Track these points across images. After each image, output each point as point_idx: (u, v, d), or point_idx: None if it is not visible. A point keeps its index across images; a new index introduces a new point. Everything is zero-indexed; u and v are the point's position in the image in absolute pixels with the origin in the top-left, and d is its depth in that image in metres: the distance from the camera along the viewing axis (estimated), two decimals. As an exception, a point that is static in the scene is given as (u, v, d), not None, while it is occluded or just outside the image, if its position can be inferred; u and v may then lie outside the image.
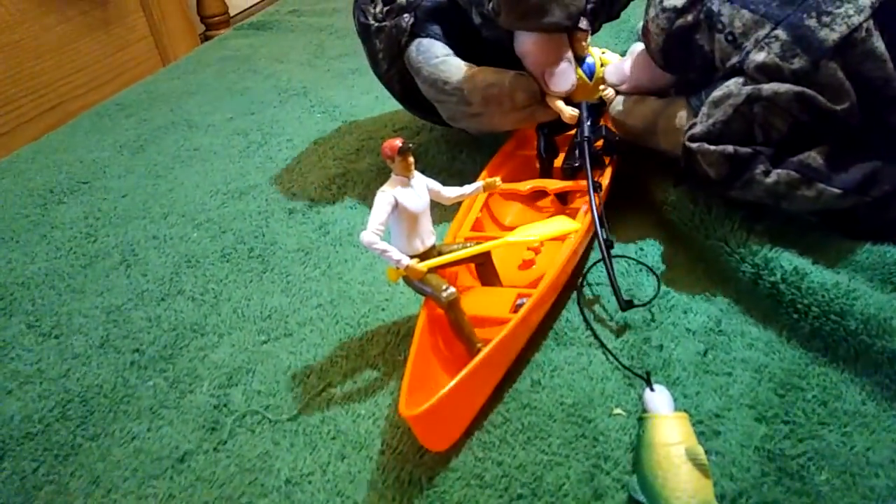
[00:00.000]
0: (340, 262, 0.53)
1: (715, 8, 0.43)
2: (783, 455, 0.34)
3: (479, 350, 0.38)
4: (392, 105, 0.62)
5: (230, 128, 0.77)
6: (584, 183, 0.48)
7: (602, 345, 0.42)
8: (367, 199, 0.57)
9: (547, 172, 0.54)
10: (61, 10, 1.35)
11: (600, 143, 0.52)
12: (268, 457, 0.38)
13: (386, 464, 0.37)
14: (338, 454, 0.38)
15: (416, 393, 0.35)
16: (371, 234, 0.37)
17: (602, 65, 0.53)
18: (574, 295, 0.46)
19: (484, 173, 0.53)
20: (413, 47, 0.54)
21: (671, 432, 0.34)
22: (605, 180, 0.50)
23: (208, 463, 0.39)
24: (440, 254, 0.41)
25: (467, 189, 0.44)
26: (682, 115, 0.46)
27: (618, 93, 0.52)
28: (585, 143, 0.48)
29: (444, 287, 0.39)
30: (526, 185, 0.51)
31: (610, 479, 0.34)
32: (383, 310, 0.48)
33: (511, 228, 0.50)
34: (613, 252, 0.45)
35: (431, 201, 0.41)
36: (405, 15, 0.54)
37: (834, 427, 0.35)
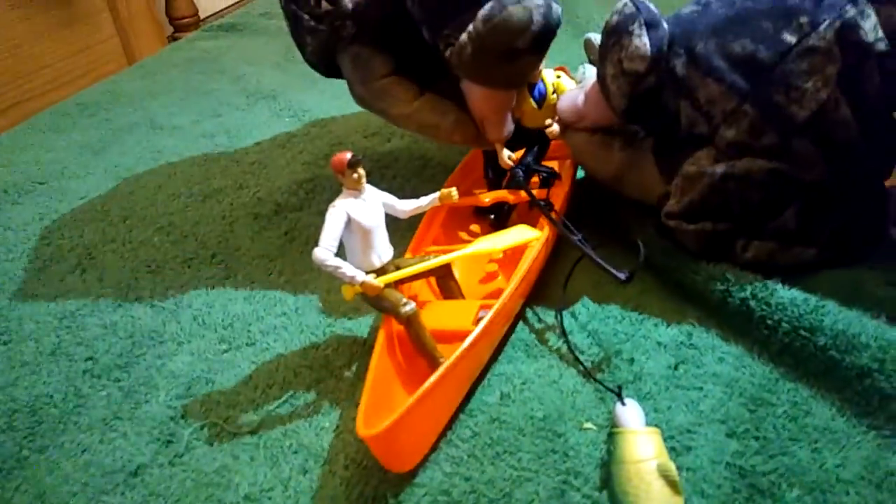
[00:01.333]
0: (307, 270, 0.51)
1: (679, 72, 0.42)
2: (754, 471, 0.34)
3: (439, 363, 0.37)
4: (363, 110, 0.61)
5: (196, 130, 0.75)
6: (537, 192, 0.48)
7: (577, 358, 0.41)
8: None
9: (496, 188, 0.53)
10: (22, 6, 1.32)
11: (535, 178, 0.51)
12: (226, 471, 0.37)
13: (350, 479, 0.36)
14: (300, 468, 0.37)
15: (377, 412, 0.34)
16: (323, 251, 0.36)
17: (555, 91, 0.52)
18: (531, 308, 0.45)
19: (446, 183, 0.52)
20: (348, 57, 0.48)
21: (643, 448, 0.33)
22: (560, 198, 0.49)
23: (163, 477, 0.37)
24: (398, 268, 0.40)
25: (423, 201, 0.42)
26: (650, 176, 0.46)
27: (573, 128, 0.49)
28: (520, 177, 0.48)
29: (402, 302, 0.38)
30: (486, 197, 0.50)
31: (580, 496, 0.34)
32: (350, 318, 0.46)
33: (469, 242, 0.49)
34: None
35: (388, 215, 0.40)
36: (348, 23, 0.46)
37: (804, 443, 0.35)
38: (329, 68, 0.52)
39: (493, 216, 0.52)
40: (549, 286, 0.47)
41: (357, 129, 0.71)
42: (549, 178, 0.51)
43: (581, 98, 0.48)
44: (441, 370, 0.35)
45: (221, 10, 1.92)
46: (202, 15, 1.79)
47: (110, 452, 0.39)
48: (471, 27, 0.42)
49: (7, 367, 0.45)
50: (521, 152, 0.51)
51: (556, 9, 0.42)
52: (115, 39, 1.58)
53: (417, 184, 0.59)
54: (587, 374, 0.40)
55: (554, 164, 0.54)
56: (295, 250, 0.54)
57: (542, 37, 0.43)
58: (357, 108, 0.71)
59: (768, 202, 0.42)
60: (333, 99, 0.79)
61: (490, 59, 0.43)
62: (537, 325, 0.44)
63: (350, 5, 0.45)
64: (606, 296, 0.46)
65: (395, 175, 0.61)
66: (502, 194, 0.50)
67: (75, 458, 0.39)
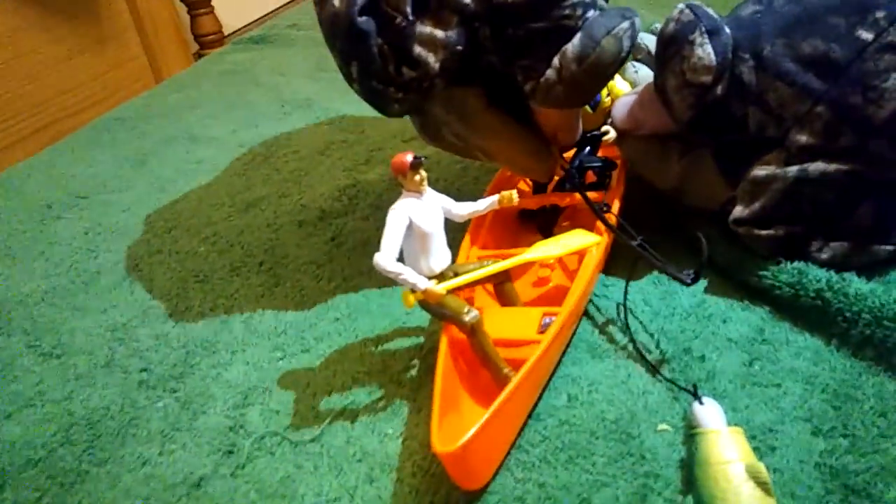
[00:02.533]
0: (356, 275, 0.51)
1: (746, 78, 0.40)
2: (846, 471, 0.32)
3: (507, 376, 0.35)
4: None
5: (233, 141, 0.75)
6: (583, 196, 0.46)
7: (642, 356, 0.39)
8: (379, 210, 0.55)
9: (541, 191, 0.52)
10: (53, 28, 1.33)
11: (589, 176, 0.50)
12: (290, 481, 0.36)
13: (418, 487, 0.34)
14: (365, 477, 0.36)
15: (446, 426, 0.33)
16: (385, 257, 0.35)
17: (609, 94, 0.50)
18: (592, 308, 0.44)
19: (489, 189, 0.51)
20: (439, 103, 0.45)
21: (728, 449, 0.32)
22: (616, 198, 0.47)
23: (226, 489, 0.36)
24: (456, 274, 0.38)
25: (481, 204, 0.41)
26: (713, 183, 0.44)
27: (630, 135, 0.48)
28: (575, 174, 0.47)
29: (465, 310, 0.36)
30: (540, 202, 0.48)
31: (662, 500, 0.32)
32: (404, 323, 0.45)
33: (521, 247, 0.47)
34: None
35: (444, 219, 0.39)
36: (437, 81, 0.42)
37: (897, 440, 0.33)
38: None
39: (540, 220, 0.51)
40: (610, 286, 0.45)
41: (395, 133, 0.71)
42: (605, 169, 0.49)
43: (637, 106, 0.46)
44: (514, 383, 0.33)
45: (245, 26, 1.93)
46: (226, 31, 1.81)
47: (171, 464, 0.38)
48: (557, 63, 0.40)
49: (62, 380, 0.45)
50: (571, 152, 0.50)
51: (639, 22, 0.41)
52: (143, 58, 1.59)
53: (461, 186, 0.58)
54: (657, 373, 0.38)
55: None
56: (342, 255, 0.53)
57: (628, 56, 0.42)
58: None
59: (842, 203, 0.41)
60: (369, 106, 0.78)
61: (582, 92, 0.41)
62: (598, 326, 0.43)
63: (436, 65, 0.41)
64: (669, 292, 0.44)
65: (437, 178, 0.60)
66: (554, 197, 0.49)
67: (136, 470, 0.38)
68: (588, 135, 0.49)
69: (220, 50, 1.09)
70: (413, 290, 0.36)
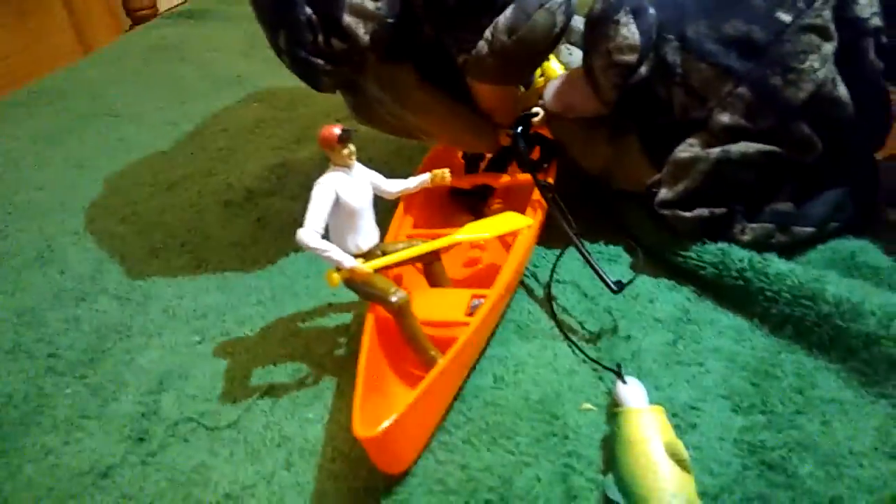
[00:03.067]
0: (281, 256, 0.49)
1: (669, 58, 0.40)
2: (763, 447, 0.32)
3: (433, 359, 0.35)
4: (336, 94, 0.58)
5: (159, 118, 0.72)
6: (524, 177, 0.46)
7: (567, 337, 0.39)
8: (308, 190, 0.53)
9: (474, 171, 0.51)
10: (-30, 0, 1.26)
11: (537, 151, 0.49)
12: (204, 468, 0.34)
13: (338, 472, 0.33)
14: (283, 463, 0.34)
15: (370, 408, 0.32)
16: (309, 233, 0.33)
17: (542, 73, 0.50)
18: (521, 287, 0.44)
19: (421, 167, 0.50)
20: (371, 80, 0.44)
21: (648, 427, 0.31)
22: (550, 179, 0.47)
23: (136, 477, 0.34)
24: (384, 253, 0.37)
25: (412, 182, 0.40)
26: (638, 165, 0.44)
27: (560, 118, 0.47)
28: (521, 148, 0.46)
29: (392, 290, 0.35)
30: (471, 181, 0.48)
31: (584, 480, 0.32)
32: (330, 304, 0.44)
33: (451, 226, 0.46)
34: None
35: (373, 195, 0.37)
36: (368, 54, 0.41)
37: (813, 416, 0.33)
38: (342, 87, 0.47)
39: (471, 200, 0.50)
40: (540, 266, 0.45)
41: (329, 112, 0.69)
42: (551, 148, 0.48)
43: (567, 88, 0.46)
44: (440, 366, 0.33)
45: (179, 4, 1.86)
46: (161, 7, 1.74)
47: (77, 454, 0.36)
48: (489, 35, 0.40)
49: (-39, 367, 0.42)
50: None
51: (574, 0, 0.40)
52: (70, 32, 1.52)
53: (395, 166, 0.57)
54: (583, 353, 0.38)
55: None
56: (268, 237, 0.51)
57: (563, 34, 0.41)
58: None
59: (763, 184, 0.41)
60: (302, 83, 0.76)
61: (513, 66, 0.41)
62: (528, 306, 0.42)
63: (366, 37, 0.40)
64: (598, 273, 0.44)
65: (370, 158, 0.58)
66: (487, 177, 0.48)
67: (39, 461, 0.36)
68: (520, 115, 0.48)
69: (148, 24, 1.05)
70: (339, 269, 0.34)
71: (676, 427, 0.33)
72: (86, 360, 0.42)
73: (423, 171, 0.49)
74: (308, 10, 0.39)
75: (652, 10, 0.40)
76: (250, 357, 0.41)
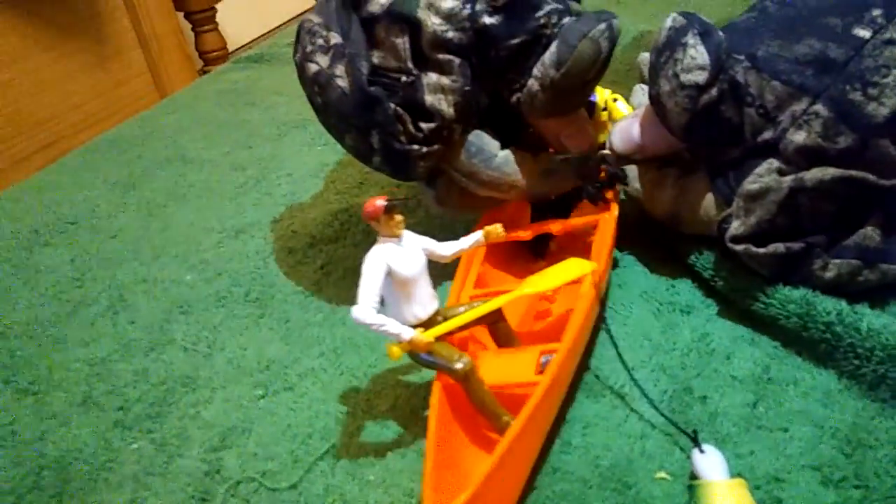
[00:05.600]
0: (344, 305, 0.49)
1: (740, 78, 0.39)
2: (859, 527, 0.30)
3: (507, 424, 0.33)
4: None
5: (227, 162, 0.73)
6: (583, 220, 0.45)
7: (645, 395, 0.37)
8: (370, 236, 0.54)
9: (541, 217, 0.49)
10: (57, 47, 1.34)
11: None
12: (265, 533, 0.34)
13: (399, 540, 0.32)
14: (344, 529, 0.33)
15: (441, 482, 0.30)
16: (364, 310, 0.32)
17: (606, 108, 0.49)
18: (598, 341, 0.42)
19: (482, 219, 0.48)
20: (464, 152, 0.44)
21: (729, 502, 0.29)
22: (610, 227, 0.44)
23: (198, 540, 0.34)
24: (445, 319, 0.36)
25: (465, 242, 0.38)
26: (708, 203, 0.42)
27: (629, 161, 0.45)
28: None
29: (456, 357, 0.34)
30: (527, 231, 0.46)
31: (659, 559, 0.30)
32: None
33: (516, 280, 0.45)
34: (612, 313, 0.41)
35: (428, 261, 0.36)
36: (455, 126, 0.42)
37: (914, 492, 0.31)
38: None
39: (532, 244, 0.48)
40: (609, 318, 0.43)
41: (391, 155, 0.69)
42: (617, 177, 0.46)
43: (636, 128, 0.44)
44: (513, 432, 0.31)
45: (250, 42, 1.93)
46: (231, 48, 1.81)
47: (142, 513, 0.36)
48: (538, 72, 0.41)
49: (36, 419, 0.43)
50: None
51: (617, 24, 0.40)
52: (146, 76, 1.59)
53: (441, 227, 0.55)
54: (660, 415, 0.36)
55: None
56: (331, 285, 0.51)
57: (608, 59, 0.41)
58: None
59: (845, 215, 0.38)
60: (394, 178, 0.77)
61: (564, 97, 0.42)
62: (595, 362, 0.40)
63: (451, 110, 0.41)
64: (670, 324, 0.42)
65: (417, 221, 0.58)
66: (545, 226, 0.46)
67: (105, 519, 0.36)
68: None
69: (218, 68, 1.08)
70: (399, 341, 0.34)
71: (760, 502, 0.31)
72: (153, 414, 0.42)
73: (482, 226, 0.48)
74: (392, 105, 0.41)
75: (720, 32, 0.39)
76: (312, 413, 0.40)
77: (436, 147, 0.43)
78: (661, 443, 0.35)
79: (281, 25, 1.97)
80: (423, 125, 0.42)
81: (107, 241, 0.62)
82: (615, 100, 0.50)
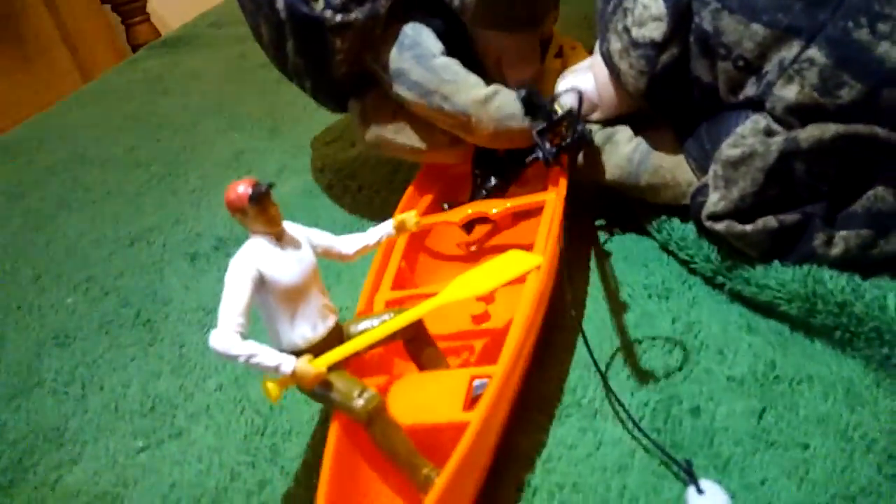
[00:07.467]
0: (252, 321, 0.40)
1: (708, 26, 0.30)
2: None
3: (428, 479, 0.24)
4: (323, 113, 0.49)
5: (130, 160, 0.64)
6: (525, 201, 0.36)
7: (626, 412, 0.29)
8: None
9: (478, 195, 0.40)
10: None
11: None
12: None
13: None
14: None
15: None
16: (224, 336, 0.23)
17: (560, 53, 0.41)
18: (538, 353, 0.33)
19: (406, 196, 0.39)
20: (396, 43, 0.37)
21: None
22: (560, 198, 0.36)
23: None
24: (348, 337, 0.27)
25: (371, 236, 0.30)
26: (675, 165, 0.35)
27: (586, 120, 0.38)
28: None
29: (356, 393, 0.25)
30: (459, 214, 0.37)
31: None
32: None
33: (449, 275, 0.33)
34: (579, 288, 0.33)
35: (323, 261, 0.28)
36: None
37: None
38: (352, 86, 0.41)
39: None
40: (562, 313, 0.35)
41: (317, 135, 0.60)
42: (584, 137, 0.36)
43: (590, 84, 0.36)
44: (437, 491, 0.22)
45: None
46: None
47: None
48: None
49: None
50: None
51: None
52: (75, 74, 1.48)
53: (387, 195, 0.47)
54: (643, 437, 0.28)
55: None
56: (238, 296, 0.42)
57: None
58: (315, 113, 0.60)
59: (849, 176, 0.30)
60: (287, 105, 0.67)
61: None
62: (556, 370, 0.32)
63: None
64: (644, 314, 0.34)
65: (360, 186, 0.49)
66: (480, 208, 0.37)
67: None
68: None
69: (130, 58, 0.98)
70: (278, 375, 0.25)
71: (783, 555, 0.23)
72: (4, 484, 0.33)
73: (406, 205, 0.39)
74: None
75: None
76: (202, 468, 0.31)
77: (353, 16, 0.35)
78: (645, 477, 0.27)
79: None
80: None
81: (-20, 263, 0.52)
82: (573, 47, 0.42)
